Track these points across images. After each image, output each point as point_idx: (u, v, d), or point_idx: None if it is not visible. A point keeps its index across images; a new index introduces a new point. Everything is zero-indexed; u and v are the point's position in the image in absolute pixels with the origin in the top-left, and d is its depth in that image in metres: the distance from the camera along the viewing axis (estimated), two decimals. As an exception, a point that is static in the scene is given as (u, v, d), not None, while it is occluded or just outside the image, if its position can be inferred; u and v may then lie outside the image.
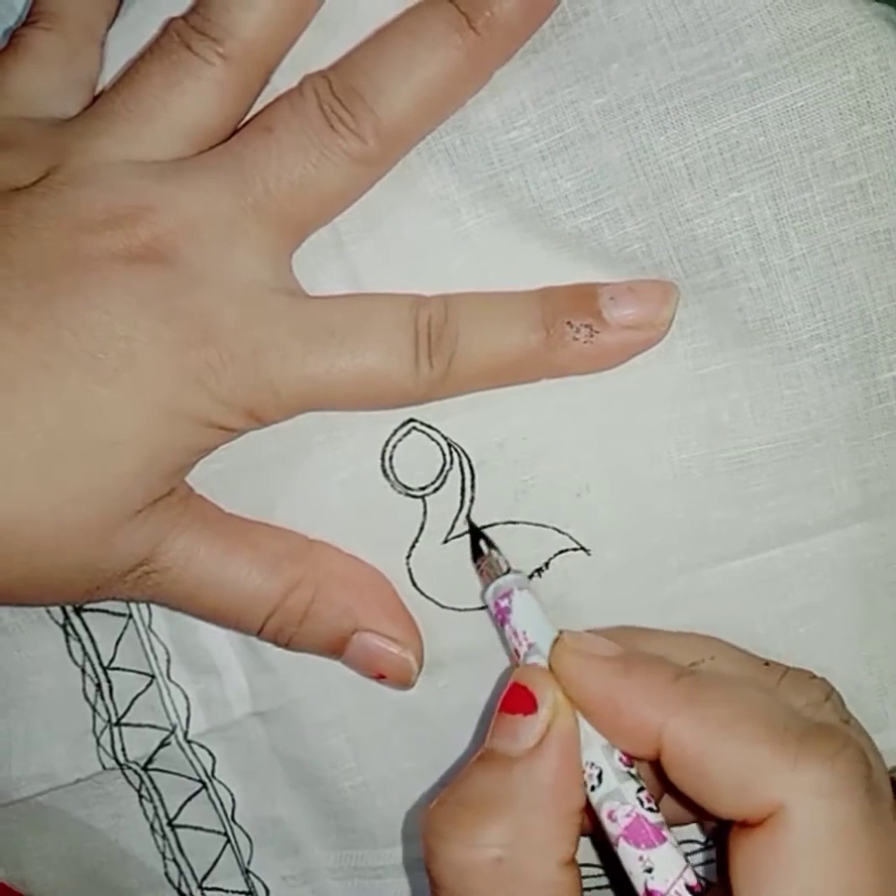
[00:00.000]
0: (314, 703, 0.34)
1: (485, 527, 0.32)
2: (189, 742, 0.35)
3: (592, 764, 0.27)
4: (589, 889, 0.27)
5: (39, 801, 0.36)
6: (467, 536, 0.32)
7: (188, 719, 0.35)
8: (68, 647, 0.35)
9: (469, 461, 0.32)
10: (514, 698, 0.27)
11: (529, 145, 0.30)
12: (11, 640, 0.35)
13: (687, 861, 0.26)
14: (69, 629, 0.35)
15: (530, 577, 0.32)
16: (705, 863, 0.33)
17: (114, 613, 0.34)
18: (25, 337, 0.27)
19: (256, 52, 0.30)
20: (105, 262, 0.28)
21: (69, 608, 0.35)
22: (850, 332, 0.30)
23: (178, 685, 0.35)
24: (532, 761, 0.26)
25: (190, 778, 0.36)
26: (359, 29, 0.30)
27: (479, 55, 0.29)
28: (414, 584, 0.32)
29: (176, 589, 0.30)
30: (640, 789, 0.26)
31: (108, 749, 0.35)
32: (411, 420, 0.31)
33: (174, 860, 0.37)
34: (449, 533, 0.32)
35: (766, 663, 0.29)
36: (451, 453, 0.32)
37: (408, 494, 0.32)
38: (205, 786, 0.36)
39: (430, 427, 0.31)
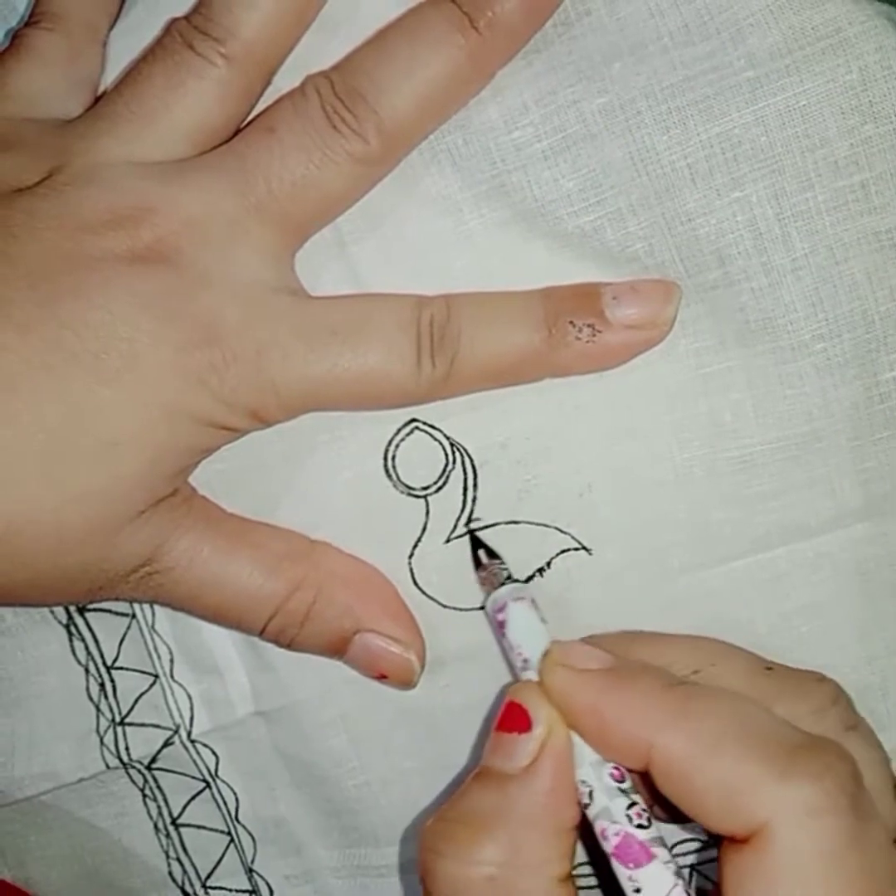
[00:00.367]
0: (316, 703, 0.34)
1: (487, 526, 0.32)
2: (192, 741, 0.35)
3: (584, 782, 0.27)
4: (581, 888, 0.27)
5: (43, 800, 0.36)
6: (468, 536, 0.32)
7: (191, 719, 0.35)
8: (72, 646, 0.35)
9: (471, 461, 0.32)
10: (509, 716, 0.27)
11: (532, 145, 0.30)
12: (15, 640, 0.35)
13: (679, 877, 0.26)
14: (72, 629, 0.35)
15: (531, 577, 0.32)
16: (706, 862, 0.33)
17: (117, 613, 0.35)
18: (28, 337, 0.27)
19: (259, 53, 0.30)
20: (107, 263, 0.28)
21: (72, 608, 0.35)
22: (852, 332, 0.30)
23: (181, 685, 0.35)
24: (526, 780, 0.26)
25: (193, 777, 0.36)
26: (361, 29, 0.30)
27: (482, 55, 0.29)
28: (416, 584, 0.32)
29: (178, 589, 0.30)
30: (631, 805, 0.26)
31: (112, 748, 0.35)
32: (414, 420, 0.31)
33: (178, 859, 0.37)
34: (451, 532, 0.32)
35: (769, 667, 0.29)
36: (453, 453, 0.32)
37: (410, 494, 0.32)
38: (208, 785, 0.36)
39: (432, 427, 0.31)
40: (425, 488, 0.32)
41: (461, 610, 0.32)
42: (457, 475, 0.32)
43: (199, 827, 0.36)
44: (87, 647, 0.35)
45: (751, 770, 0.24)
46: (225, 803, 0.36)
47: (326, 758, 0.34)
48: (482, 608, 0.32)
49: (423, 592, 0.32)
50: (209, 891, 0.37)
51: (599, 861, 0.27)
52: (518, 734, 0.27)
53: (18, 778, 0.36)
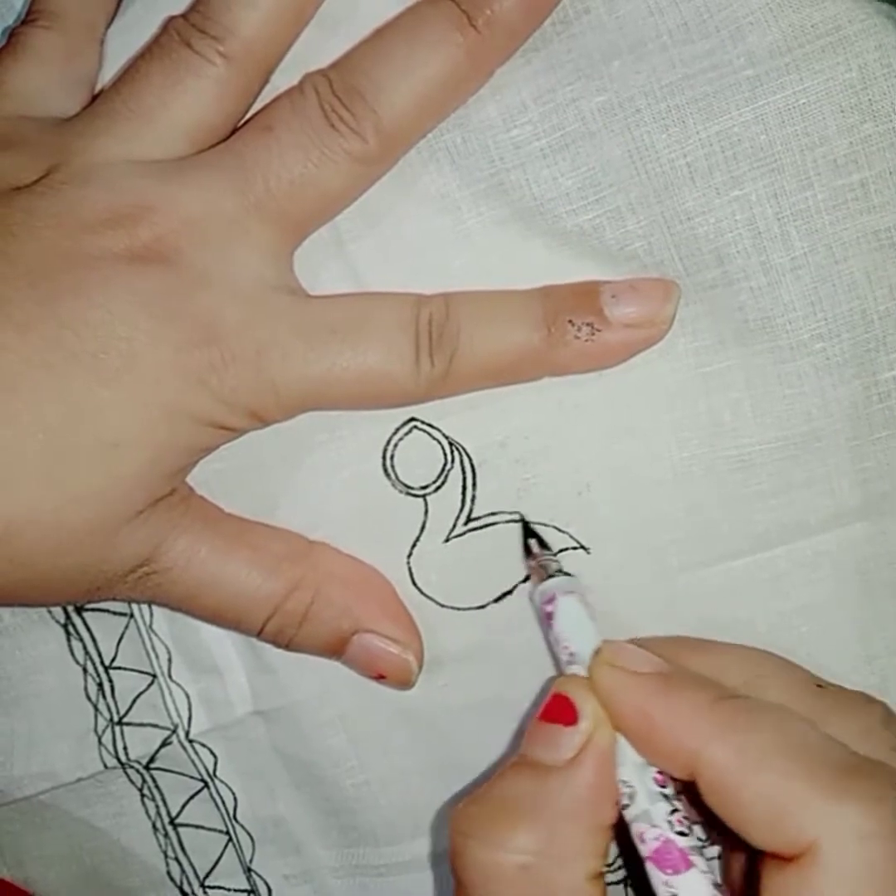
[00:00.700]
0: (314, 703, 0.34)
1: (486, 525, 0.32)
2: (191, 741, 0.35)
3: (626, 782, 0.26)
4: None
5: (41, 799, 0.36)
6: (468, 535, 0.32)
7: (190, 719, 0.35)
8: (70, 646, 0.35)
9: (470, 460, 0.32)
10: (555, 708, 0.27)
11: (530, 143, 0.30)
12: (13, 640, 0.35)
13: (717, 888, 0.25)
14: (70, 629, 0.35)
15: (529, 576, 0.32)
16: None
17: (115, 613, 0.34)
18: (27, 337, 0.27)
19: (257, 51, 0.30)
20: (107, 262, 0.28)
21: (70, 608, 0.35)
22: (851, 332, 0.30)
23: (179, 684, 0.35)
24: (568, 773, 0.26)
25: (192, 777, 0.36)
26: (359, 27, 0.30)
27: (480, 53, 0.29)
28: (414, 584, 0.32)
29: (176, 590, 0.30)
30: (673, 811, 0.26)
31: (110, 748, 0.35)
32: (412, 419, 0.31)
33: (176, 859, 0.37)
34: (450, 532, 0.32)
35: (820, 685, 0.29)
36: (452, 452, 0.32)
37: (409, 493, 0.32)
38: (206, 785, 0.36)
39: (431, 426, 0.31)
40: (424, 487, 0.32)
41: (460, 609, 0.32)
42: (456, 474, 0.32)
43: (197, 826, 0.36)
44: (85, 647, 0.35)
45: (800, 788, 0.24)
46: (223, 803, 0.36)
47: (325, 757, 0.34)
48: (480, 608, 0.32)
49: (422, 592, 0.32)
50: (207, 890, 0.37)
51: (632, 862, 0.26)
52: (563, 726, 0.27)
53: (17, 777, 0.36)
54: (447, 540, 0.32)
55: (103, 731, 0.35)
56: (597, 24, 0.30)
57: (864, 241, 0.30)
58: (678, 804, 0.26)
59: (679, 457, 0.31)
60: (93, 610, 0.35)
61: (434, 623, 0.32)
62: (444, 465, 0.32)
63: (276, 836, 0.36)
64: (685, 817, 0.26)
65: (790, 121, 0.29)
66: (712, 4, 0.29)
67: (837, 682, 0.29)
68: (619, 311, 0.29)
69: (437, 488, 0.32)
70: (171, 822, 0.36)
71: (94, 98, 0.32)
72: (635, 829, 0.26)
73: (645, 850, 0.26)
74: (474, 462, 0.32)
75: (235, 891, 0.37)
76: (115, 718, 0.35)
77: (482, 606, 0.32)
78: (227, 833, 0.36)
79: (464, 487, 0.32)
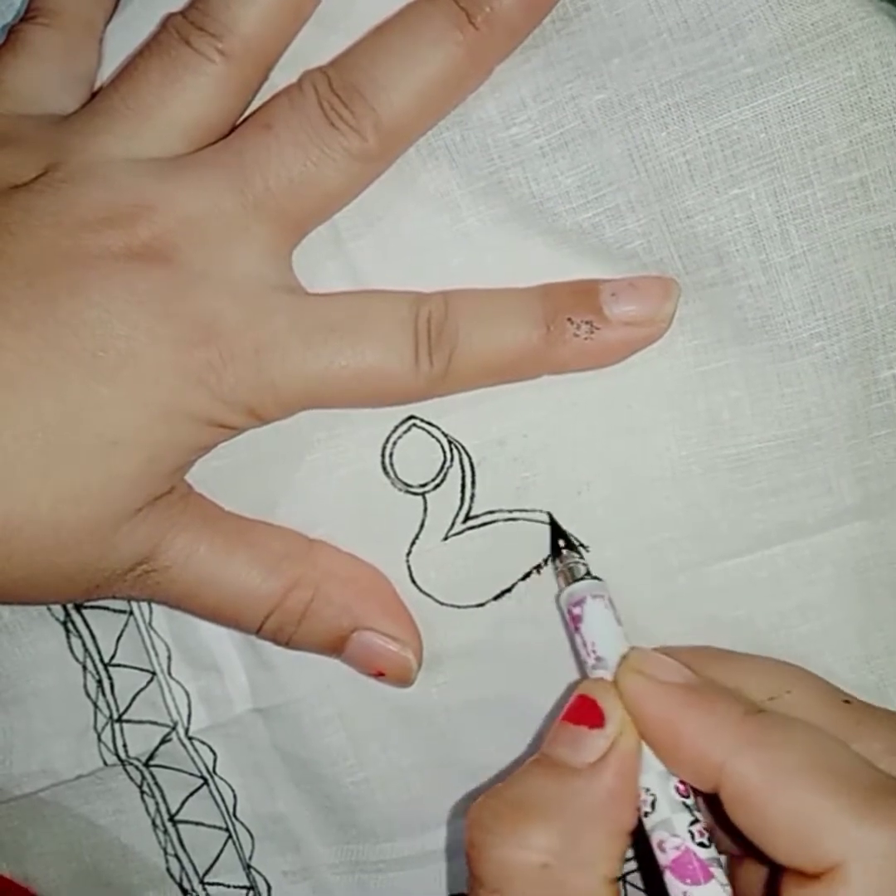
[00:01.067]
0: (314, 701, 0.34)
1: (485, 523, 0.32)
2: (190, 738, 0.35)
3: (648, 789, 0.26)
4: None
5: (41, 797, 0.36)
6: (467, 534, 0.32)
7: (189, 716, 0.35)
8: (69, 643, 0.35)
9: (469, 458, 0.32)
10: (580, 709, 0.27)
11: (530, 141, 0.30)
12: (12, 637, 0.35)
13: None
14: (70, 626, 0.35)
15: (528, 575, 0.32)
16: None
17: (114, 610, 0.35)
18: (25, 335, 0.27)
19: (256, 49, 0.30)
20: (105, 261, 0.28)
21: (70, 605, 0.35)
22: (850, 331, 0.30)
23: (178, 682, 0.35)
24: (591, 775, 0.26)
25: (191, 774, 0.36)
26: (358, 25, 0.30)
27: (480, 51, 0.29)
28: (413, 582, 0.32)
29: (175, 588, 0.30)
30: (694, 822, 0.26)
31: (110, 745, 0.35)
32: (411, 417, 0.31)
33: (176, 856, 0.37)
34: (449, 530, 0.32)
35: (847, 700, 0.29)
36: (451, 450, 0.32)
37: (408, 491, 0.32)
38: (206, 782, 0.36)
39: (430, 424, 0.31)
40: (423, 485, 0.32)
41: (459, 607, 0.32)
42: (455, 472, 0.32)
43: (196, 823, 0.36)
44: (84, 645, 0.35)
45: (827, 806, 0.24)
46: (223, 800, 0.36)
47: (324, 755, 0.34)
48: (479, 606, 0.32)
49: (421, 590, 0.32)
50: (207, 887, 0.37)
51: (648, 869, 0.26)
52: (588, 728, 0.27)
53: (17, 775, 0.36)
54: (446, 538, 0.32)
55: (103, 729, 0.35)
56: (596, 22, 0.30)
57: (863, 239, 0.30)
58: (699, 815, 0.26)
59: (678, 455, 0.31)
60: (92, 607, 0.35)
61: (433, 621, 0.32)
62: (443, 463, 0.32)
63: (275, 833, 0.36)
64: (705, 829, 0.26)
65: (790, 119, 0.29)
66: (712, 2, 0.29)
67: (836, 680, 0.29)
68: (618, 310, 0.29)
69: (436, 486, 0.32)
70: (171, 818, 0.36)
71: (93, 95, 0.32)
72: (655, 837, 0.26)
73: (664, 859, 0.26)
74: (473, 460, 0.32)
75: (235, 887, 0.37)
76: (115, 716, 0.35)
77: (481, 604, 0.32)
78: (227, 830, 0.36)
79: (463, 485, 0.32)
